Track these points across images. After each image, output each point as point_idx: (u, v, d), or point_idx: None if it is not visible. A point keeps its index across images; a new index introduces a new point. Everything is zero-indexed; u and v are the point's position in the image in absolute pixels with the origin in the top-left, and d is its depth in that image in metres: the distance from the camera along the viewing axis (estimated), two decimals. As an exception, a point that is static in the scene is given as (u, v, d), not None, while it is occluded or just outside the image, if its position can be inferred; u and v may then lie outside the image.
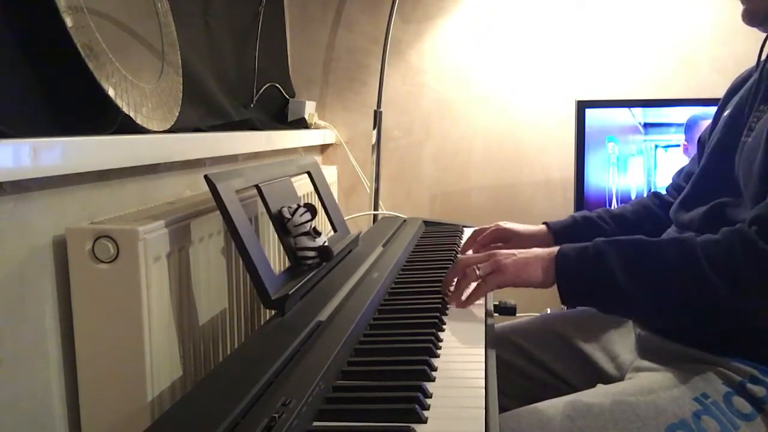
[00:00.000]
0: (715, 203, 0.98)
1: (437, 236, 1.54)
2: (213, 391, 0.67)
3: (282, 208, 1.06)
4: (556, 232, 1.29)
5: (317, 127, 2.14)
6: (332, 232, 1.29)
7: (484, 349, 0.83)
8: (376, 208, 2.10)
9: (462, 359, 0.80)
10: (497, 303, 1.13)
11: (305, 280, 0.97)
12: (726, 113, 1.08)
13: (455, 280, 1.02)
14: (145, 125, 1.04)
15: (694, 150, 1.23)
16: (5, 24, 0.85)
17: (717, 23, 2.05)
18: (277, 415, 0.60)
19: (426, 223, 1.69)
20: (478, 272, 0.97)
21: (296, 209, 1.05)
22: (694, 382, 0.88)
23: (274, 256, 1.32)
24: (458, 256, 1.31)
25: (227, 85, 1.63)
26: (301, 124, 2.08)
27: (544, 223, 1.32)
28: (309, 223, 1.05)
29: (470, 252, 1.34)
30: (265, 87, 1.90)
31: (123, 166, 1.01)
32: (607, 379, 1.05)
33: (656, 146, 1.93)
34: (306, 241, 1.05)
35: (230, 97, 1.62)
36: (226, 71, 1.65)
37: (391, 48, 2.07)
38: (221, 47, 1.62)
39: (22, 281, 0.82)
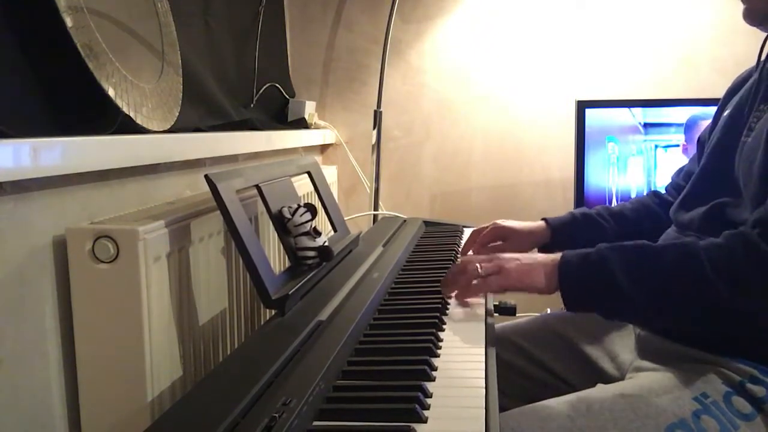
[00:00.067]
0: (714, 203, 0.98)
1: (437, 236, 1.54)
2: (213, 391, 0.67)
3: (282, 208, 1.06)
4: (555, 229, 1.29)
5: (317, 127, 2.14)
6: (332, 232, 1.29)
7: (484, 349, 0.83)
8: (376, 208, 2.10)
9: (462, 359, 0.80)
10: (497, 303, 1.13)
11: (305, 280, 0.97)
12: (726, 113, 1.08)
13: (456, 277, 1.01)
14: (145, 125, 1.04)
15: (693, 150, 1.23)
16: (5, 24, 0.85)
17: (717, 23, 2.05)
18: (277, 415, 0.60)
19: (426, 223, 1.69)
20: (480, 271, 0.96)
21: (296, 209, 1.05)
22: (693, 381, 0.88)
23: (274, 256, 1.32)
24: (460, 257, 1.31)
25: (227, 85, 1.63)
26: (301, 124, 2.08)
27: (543, 219, 1.32)
28: (309, 223, 1.05)
29: (470, 252, 1.34)
30: (265, 87, 1.90)
31: (123, 166, 1.01)
32: (607, 379, 1.05)
33: (656, 146, 1.93)
34: (306, 241, 1.05)
35: (230, 97, 1.62)
36: (226, 71, 1.65)
37: (391, 48, 2.07)
38: (221, 47, 1.62)
39: (22, 281, 0.82)
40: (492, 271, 0.95)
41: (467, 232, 1.47)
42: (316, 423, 0.64)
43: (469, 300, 1.02)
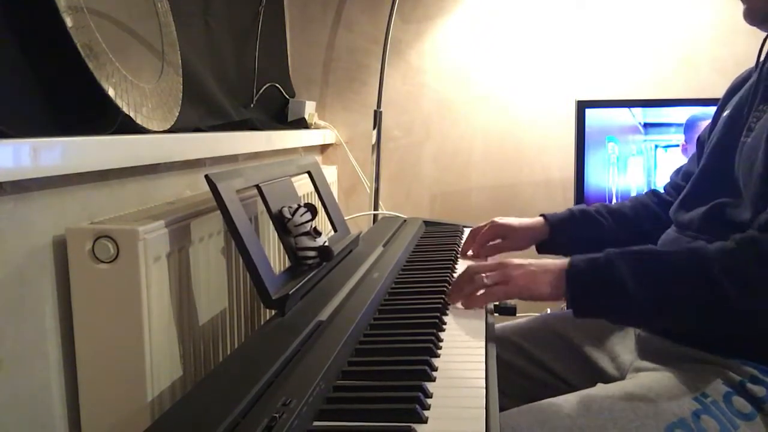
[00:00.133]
0: (714, 203, 0.98)
1: (437, 236, 1.54)
2: (213, 391, 0.67)
3: (282, 207, 1.06)
4: (553, 225, 1.29)
5: (317, 127, 2.14)
6: (332, 232, 1.29)
7: (484, 349, 0.83)
8: (376, 208, 2.10)
9: (462, 359, 0.80)
10: (497, 303, 1.13)
11: (305, 280, 0.97)
12: (725, 113, 1.08)
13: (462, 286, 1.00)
14: (145, 125, 1.03)
15: (692, 150, 1.23)
16: (5, 24, 0.85)
17: (717, 23, 2.05)
18: (277, 415, 0.60)
19: (426, 223, 1.69)
20: (485, 281, 0.95)
21: (296, 209, 1.05)
22: (693, 381, 0.88)
23: (274, 256, 1.32)
24: (469, 263, 1.31)
25: (227, 85, 1.63)
26: (301, 124, 2.08)
27: (541, 215, 1.31)
28: (309, 223, 1.05)
29: (470, 252, 1.35)
30: (265, 87, 1.90)
31: (123, 166, 1.01)
32: (608, 379, 1.05)
33: (656, 146, 1.93)
34: (306, 241, 1.05)
35: (230, 97, 1.62)
36: (226, 71, 1.65)
37: (391, 48, 2.07)
38: (221, 47, 1.62)
39: (22, 281, 0.82)
40: (498, 280, 0.95)
41: (467, 232, 1.47)
42: (316, 423, 0.64)
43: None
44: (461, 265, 1.28)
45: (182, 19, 1.31)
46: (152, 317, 0.88)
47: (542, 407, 0.86)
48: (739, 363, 0.88)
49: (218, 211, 0.93)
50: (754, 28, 1.02)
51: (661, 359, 0.96)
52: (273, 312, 0.90)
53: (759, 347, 0.88)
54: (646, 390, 0.87)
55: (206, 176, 0.92)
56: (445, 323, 0.93)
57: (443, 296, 1.02)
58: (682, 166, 1.27)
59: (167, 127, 1.12)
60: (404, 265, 1.26)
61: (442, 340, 0.86)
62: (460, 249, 1.39)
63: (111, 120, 0.97)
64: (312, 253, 1.05)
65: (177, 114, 1.17)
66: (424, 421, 0.63)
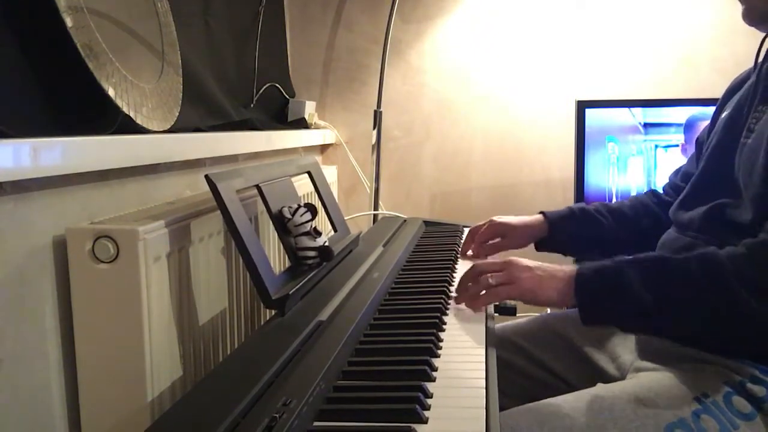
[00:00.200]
0: (715, 203, 0.98)
1: (437, 236, 1.54)
2: (213, 391, 0.67)
3: (282, 207, 1.06)
4: (552, 222, 1.29)
5: (317, 127, 2.14)
6: (332, 232, 1.29)
7: (484, 349, 0.83)
8: (376, 208, 2.10)
9: (462, 359, 0.80)
10: (497, 303, 1.13)
11: (305, 280, 0.97)
12: (724, 114, 1.08)
13: (467, 285, 1.00)
14: (145, 125, 1.03)
15: (692, 150, 1.24)
16: (5, 24, 0.85)
17: (717, 23, 2.05)
18: (277, 415, 0.60)
19: (426, 223, 1.69)
20: (491, 281, 0.95)
21: (296, 209, 1.05)
22: (694, 381, 0.87)
23: (274, 256, 1.32)
24: (469, 263, 1.31)
25: (227, 85, 1.63)
26: (301, 124, 2.08)
27: (540, 213, 1.31)
28: (309, 223, 1.05)
29: (470, 252, 1.34)
30: (265, 87, 1.90)
31: (123, 166, 1.01)
32: (608, 379, 1.05)
33: (656, 146, 1.93)
34: (306, 241, 1.05)
35: (230, 97, 1.62)
36: (226, 71, 1.65)
37: (391, 48, 2.07)
38: (221, 47, 1.62)
39: (22, 281, 0.82)
40: (504, 280, 0.94)
41: (467, 232, 1.47)
42: (316, 423, 0.64)
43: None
44: (461, 265, 1.28)
45: (182, 19, 1.31)
46: (152, 317, 0.88)
47: (542, 407, 0.85)
48: (739, 363, 0.88)
49: (218, 211, 0.93)
50: (754, 28, 1.02)
51: (661, 359, 0.96)
52: (273, 312, 0.90)
53: (759, 347, 0.87)
54: (646, 390, 0.87)
55: (206, 176, 0.92)
56: (445, 323, 0.93)
57: (443, 296, 1.02)
58: (681, 167, 1.27)
59: (167, 127, 1.12)
60: (404, 265, 1.26)
61: (442, 340, 0.86)
62: (460, 249, 1.39)
63: (111, 120, 0.97)
64: (312, 253, 1.05)
65: (177, 114, 1.17)
66: (424, 421, 0.63)
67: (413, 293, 1.06)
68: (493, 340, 0.88)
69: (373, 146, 2.10)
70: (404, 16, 2.16)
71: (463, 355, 0.82)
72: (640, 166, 1.94)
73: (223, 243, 1.12)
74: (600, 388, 0.92)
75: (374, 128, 2.09)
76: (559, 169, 2.15)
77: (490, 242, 1.33)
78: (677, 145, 1.92)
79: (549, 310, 1.47)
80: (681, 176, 1.23)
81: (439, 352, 0.82)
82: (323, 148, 2.25)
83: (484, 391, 0.70)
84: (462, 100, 2.19)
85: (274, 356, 0.73)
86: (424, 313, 0.95)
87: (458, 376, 0.75)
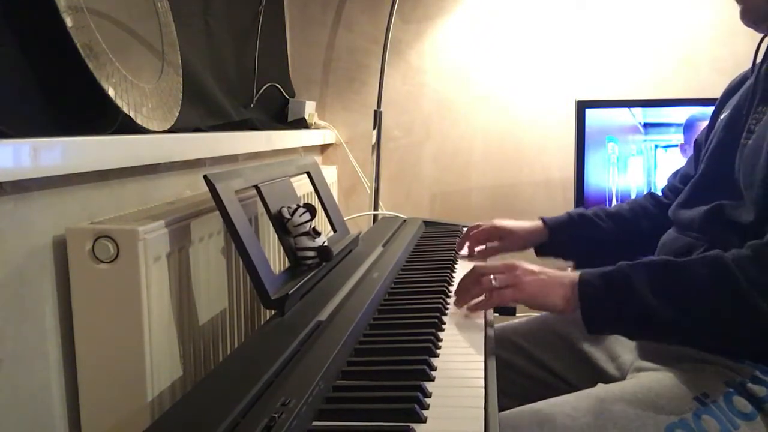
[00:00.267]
0: (715, 204, 0.98)
1: (437, 236, 1.54)
2: (213, 391, 0.67)
3: (281, 208, 1.06)
4: (552, 228, 1.29)
5: (317, 127, 2.14)
6: (332, 233, 1.29)
7: (483, 349, 0.83)
8: (376, 208, 2.10)
9: (462, 359, 0.80)
10: (497, 303, 1.13)
11: (305, 280, 0.97)
12: (723, 115, 1.08)
13: (469, 287, 0.98)
14: (145, 125, 1.04)
15: (691, 150, 1.24)
16: (5, 24, 0.85)
17: (717, 23, 2.05)
18: (276, 415, 0.60)
19: (426, 223, 1.69)
20: (494, 282, 0.93)
21: (296, 209, 1.05)
22: (694, 381, 0.87)
23: (274, 256, 1.32)
24: (476, 264, 1.31)
25: (227, 85, 1.63)
26: (301, 124, 2.08)
27: (540, 219, 1.32)
28: (308, 223, 1.05)
29: (464, 251, 1.35)
30: (265, 87, 1.90)
31: (123, 166, 1.01)
32: (608, 380, 1.05)
33: (656, 146, 1.93)
34: (306, 241, 1.05)
35: (230, 97, 1.63)
36: (226, 71, 1.65)
37: (391, 48, 2.07)
38: (221, 47, 1.62)
39: (22, 281, 0.82)
40: (507, 283, 0.92)
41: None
42: (315, 423, 0.64)
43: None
44: (461, 265, 1.28)
45: (182, 19, 1.31)
46: (152, 317, 0.88)
47: (542, 407, 0.85)
48: (739, 363, 0.87)
49: (218, 211, 0.93)
50: (750, 28, 1.02)
51: (661, 359, 0.96)
52: (273, 312, 0.90)
53: (759, 347, 0.87)
54: (646, 390, 0.87)
55: (205, 177, 0.92)
56: (444, 323, 0.93)
57: (443, 296, 1.02)
58: (679, 169, 1.27)
59: (167, 127, 1.12)
60: (404, 265, 1.26)
61: (441, 340, 0.86)
62: (456, 246, 1.39)
63: (111, 120, 0.97)
64: (311, 254, 1.05)
65: (177, 114, 1.17)
66: (423, 420, 0.63)
67: (413, 293, 1.06)
68: (492, 339, 0.88)
69: (373, 146, 2.10)
70: (404, 16, 2.16)
71: (462, 354, 0.82)
72: (640, 166, 1.94)
73: (223, 243, 1.12)
74: (600, 389, 0.92)
75: (374, 128, 2.09)
76: (559, 169, 2.15)
77: (489, 245, 1.34)
78: (677, 145, 1.92)
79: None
80: (680, 178, 1.23)
81: (439, 351, 0.82)
82: (323, 148, 2.25)
83: (483, 390, 0.70)
84: (462, 100, 2.19)
85: (273, 356, 0.73)
86: (424, 313, 0.95)
87: (457, 375, 0.75)
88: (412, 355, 0.79)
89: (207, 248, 1.06)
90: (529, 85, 2.15)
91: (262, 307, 1.16)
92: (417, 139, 2.23)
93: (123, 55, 1.00)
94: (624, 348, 1.08)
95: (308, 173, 1.33)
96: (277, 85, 2.01)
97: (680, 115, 1.92)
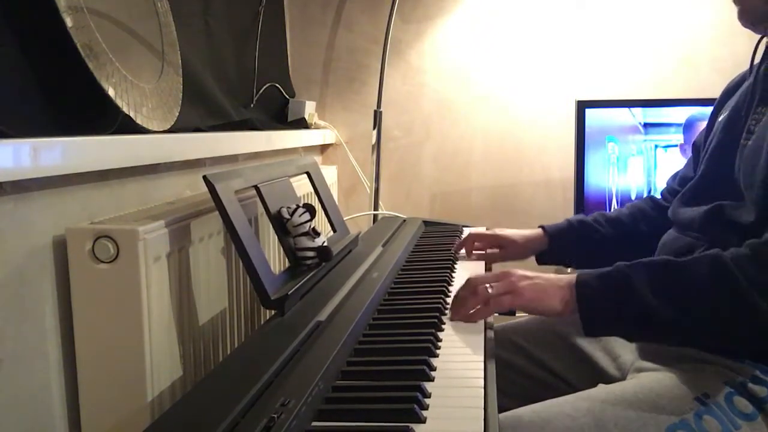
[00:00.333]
0: (716, 204, 0.98)
1: (437, 236, 1.54)
2: (213, 391, 0.67)
3: (281, 208, 1.06)
4: (552, 236, 1.30)
5: (317, 127, 2.14)
6: (332, 233, 1.29)
7: (483, 349, 0.83)
8: (376, 208, 2.10)
9: (461, 359, 0.80)
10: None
11: (305, 280, 0.97)
12: (722, 117, 1.08)
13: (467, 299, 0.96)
14: (145, 125, 1.04)
15: (690, 151, 1.24)
16: (5, 24, 0.85)
17: (717, 23, 2.05)
18: (276, 415, 0.60)
19: (426, 223, 1.69)
20: (490, 291, 0.92)
21: (295, 209, 1.05)
22: (695, 381, 0.87)
23: (273, 257, 1.32)
24: (467, 263, 1.31)
25: (227, 85, 1.63)
26: (301, 124, 2.08)
27: (540, 227, 1.32)
28: (308, 224, 1.05)
29: (463, 251, 1.35)
30: (265, 87, 1.90)
31: (123, 166, 1.01)
32: (608, 380, 1.05)
33: (656, 146, 1.93)
34: (305, 242, 1.05)
35: (230, 97, 1.63)
36: (226, 71, 1.65)
37: (391, 48, 2.07)
38: (221, 47, 1.62)
39: (22, 281, 0.82)
40: (503, 290, 0.92)
41: (467, 232, 1.47)
42: (314, 423, 0.64)
43: None
44: (461, 266, 1.28)
45: (182, 19, 1.31)
46: (152, 317, 0.89)
47: (543, 408, 0.85)
48: (739, 363, 0.88)
49: (218, 212, 0.93)
50: (748, 29, 1.02)
51: (661, 359, 0.96)
52: (273, 312, 0.90)
53: (759, 346, 0.87)
54: (647, 390, 0.87)
55: (204, 177, 0.92)
56: (444, 323, 0.93)
57: (442, 296, 1.02)
58: (678, 172, 1.27)
59: (167, 127, 1.12)
60: (404, 265, 1.26)
61: (441, 340, 0.86)
62: (453, 248, 1.39)
63: (111, 120, 0.97)
64: (311, 254, 1.05)
65: (177, 114, 1.17)
66: (422, 421, 0.63)
67: (412, 293, 1.06)
68: (491, 339, 0.88)
69: (373, 146, 2.10)
70: (404, 16, 2.16)
71: (461, 354, 0.82)
72: (640, 166, 1.94)
73: (223, 243, 1.12)
74: (601, 389, 0.91)
75: (374, 128, 2.09)
76: (559, 169, 2.15)
77: (489, 251, 1.34)
78: (677, 145, 1.92)
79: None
80: (679, 181, 1.24)
81: (438, 351, 0.82)
82: (323, 148, 2.25)
83: (483, 390, 0.70)
84: (462, 100, 2.19)
85: (273, 356, 0.73)
86: (423, 313, 0.95)
87: (457, 375, 0.75)
88: (411, 356, 0.79)
89: (207, 248, 1.06)
90: (529, 85, 2.15)
91: (261, 307, 1.17)
92: (417, 139, 2.23)
93: (123, 55, 1.00)
94: (624, 348, 1.08)
95: (308, 173, 1.33)
96: (277, 85, 2.01)
97: (680, 115, 1.92)
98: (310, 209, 1.06)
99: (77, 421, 0.89)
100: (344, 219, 1.39)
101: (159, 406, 0.90)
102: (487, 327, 0.92)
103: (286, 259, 1.06)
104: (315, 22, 2.21)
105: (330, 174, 2.08)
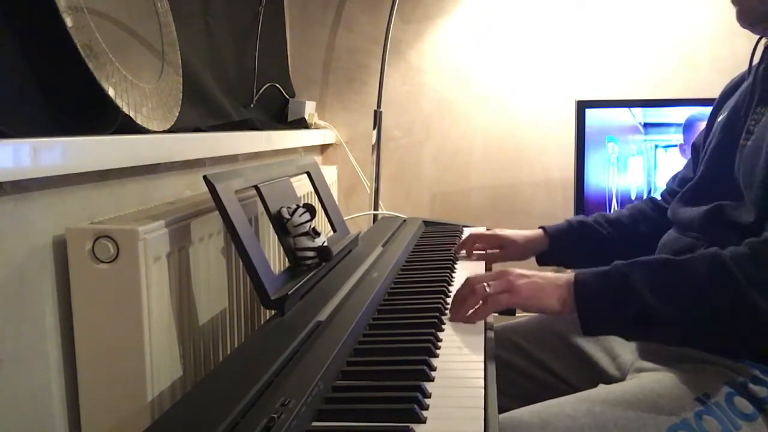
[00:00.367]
0: (715, 204, 0.98)
1: (437, 236, 1.54)
2: (213, 391, 0.67)
3: (281, 208, 1.06)
4: (552, 236, 1.30)
5: (317, 127, 2.14)
6: (332, 233, 1.29)
7: (483, 349, 0.83)
8: (376, 208, 2.10)
9: (461, 359, 0.80)
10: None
11: (305, 280, 0.97)
12: (721, 117, 1.08)
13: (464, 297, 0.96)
14: (145, 125, 1.04)
15: (690, 152, 1.24)
16: (5, 24, 0.85)
17: (717, 23, 2.05)
18: (276, 416, 0.60)
19: (426, 223, 1.69)
20: (488, 290, 0.92)
21: (295, 209, 1.05)
22: (695, 382, 0.87)
23: (273, 257, 1.32)
24: (467, 263, 1.31)
25: (227, 85, 1.63)
26: (301, 124, 2.08)
27: (540, 228, 1.32)
28: (308, 224, 1.05)
29: (463, 252, 1.35)
30: (265, 87, 1.90)
31: (123, 166, 1.01)
32: (608, 380, 1.05)
33: (656, 146, 1.93)
34: (305, 242, 1.05)
35: (230, 97, 1.63)
36: (226, 71, 1.65)
37: (391, 48, 2.07)
38: (221, 47, 1.62)
39: (22, 281, 0.82)
40: (501, 288, 0.92)
41: (467, 232, 1.47)
42: (315, 423, 0.64)
43: None
44: (461, 266, 1.28)
45: (182, 19, 1.31)
46: (152, 317, 0.89)
47: (543, 408, 0.85)
48: (739, 363, 0.87)
49: (218, 211, 0.93)
50: (746, 29, 1.01)
51: (662, 359, 0.95)
52: (273, 312, 0.90)
53: (758, 346, 0.87)
54: (647, 391, 0.87)
55: (205, 177, 0.92)
56: (444, 323, 0.93)
57: (442, 296, 1.02)
58: (678, 173, 1.27)
59: (167, 127, 1.12)
60: (404, 265, 1.26)
61: (441, 340, 0.86)
62: (454, 248, 1.39)
63: (111, 120, 0.97)
64: (311, 254, 1.05)
65: (177, 114, 1.17)
66: (422, 421, 0.63)
67: (412, 293, 1.06)
68: (492, 339, 0.88)
69: (373, 146, 2.10)
70: (404, 16, 2.16)
71: (462, 354, 0.82)
72: (640, 166, 1.94)
73: (223, 243, 1.12)
74: (601, 390, 0.91)
75: (374, 128, 2.09)
76: (559, 169, 2.15)
77: (489, 251, 1.34)
78: (677, 145, 1.92)
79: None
80: (678, 182, 1.24)
81: (438, 351, 0.82)
82: (323, 148, 2.25)
83: (483, 391, 0.70)
84: (462, 100, 2.19)
85: (273, 356, 0.73)
86: (423, 313, 0.95)
87: (457, 375, 0.75)
88: (411, 356, 0.78)
89: (207, 248, 1.06)
90: (529, 85, 2.15)
91: (262, 307, 1.17)
92: (417, 139, 2.23)
93: (123, 55, 1.00)
94: (624, 348, 1.08)
95: (308, 173, 1.33)
96: (277, 85, 2.01)
97: (680, 115, 1.92)
98: (310, 209, 1.06)
99: (77, 421, 0.89)
100: (344, 219, 1.39)
101: (159, 406, 0.90)
102: (488, 327, 0.92)
103: (286, 259, 1.06)
104: (315, 22, 2.21)
105: (330, 174, 2.08)
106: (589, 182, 1.92)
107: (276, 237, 1.06)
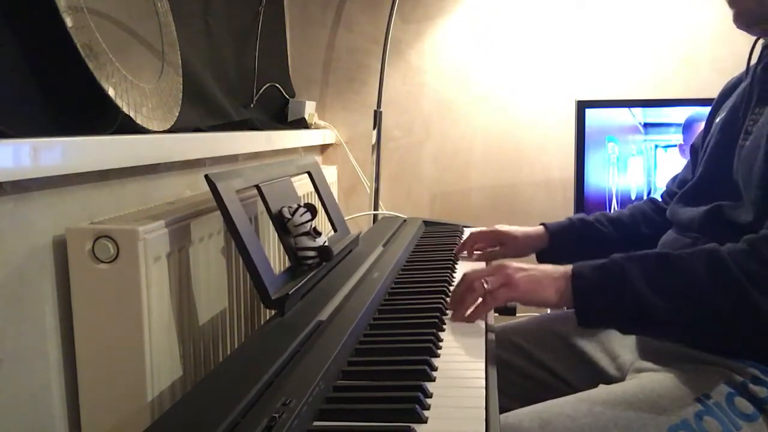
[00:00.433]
0: (715, 204, 0.98)
1: (437, 236, 1.54)
2: (213, 391, 0.67)
3: (282, 208, 1.06)
4: (553, 233, 1.30)
5: (317, 127, 2.14)
6: (332, 232, 1.29)
7: (484, 349, 0.83)
8: (376, 208, 2.10)
9: (462, 359, 0.80)
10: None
11: (305, 280, 0.97)
12: (719, 118, 1.08)
13: (462, 294, 0.96)
14: (145, 125, 1.04)
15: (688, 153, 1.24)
16: (5, 24, 0.85)
17: (717, 23, 2.05)
18: (277, 415, 0.60)
19: (426, 223, 1.69)
20: (486, 286, 0.92)
21: (296, 209, 1.05)
22: (695, 382, 0.87)
23: (274, 256, 1.32)
24: (467, 264, 1.31)
25: (227, 85, 1.63)
26: (301, 124, 2.08)
27: (541, 224, 1.32)
28: (309, 223, 1.05)
29: (465, 253, 1.35)
30: (265, 87, 1.90)
31: (123, 166, 1.01)
32: (608, 380, 1.05)
33: (656, 146, 1.93)
34: (306, 241, 1.05)
35: (230, 97, 1.63)
36: (226, 71, 1.65)
37: (391, 48, 2.07)
38: (221, 47, 1.62)
39: (22, 281, 0.82)
40: (499, 283, 0.92)
41: (467, 232, 1.47)
42: (316, 423, 0.64)
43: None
44: (461, 266, 1.28)
45: (182, 19, 1.31)
46: (152, 317, 0.88)
47: (543, 408, 0.85)
48: (740, 363, 0.87)
49: (218, 211, 0.93)
50: (743, 31, 1.01)
51: (662, 360, 0.95)
52: (273, 312, 0.90)
53: (760, 347, 0.87)
54: (647, 391, 0.87)
55: (206, 176, 0.92)
56: (444, 323, 0.93)
57: (443, 296, 1.02)
58: (677, 174, 1.27)
59: (167, 127, 1.12)
60: (404, 265, 1.26)
61: (442, 340, 0.86)
62: (455, 249, 1.39)
63: (111, 120, 0.97)
64: (312, 253, 1.05)
65: (177, 114, 1.17)
66: (423, 421, 0.63)
67: (413, 293, 1.06)
68: (492, 339, 0.88)
69: (373, 146, 2.10)
70: (404, 16, 2.16)
71: (463, 354, 0.82)
72: (640, 166, 1.94)
73: (223, 243, 1.12)
74: (601, 390, 0.91)
75: (374, 128, 2.09)
76: (559, 169, 2.15)
77: (489, 249, 1.34)
78: (677, 145, 1.93)
79: (549, 310, 1.47)
80: (678, 183, 1.24)
81: (439, 351, 0.82)
82: (323, 148, 2.25)
83: (484, 390, 0.70)
84: (462, 100, 2.19)
85: (273, 356, 0.73)
86: (424, 313, 0.95)
87: (458, 375, 0.75)
88: (412, 355, 0.78)
89: (207, 248, 1.06)
90: (529, 85, 2.15)
91: (262, 307, 1.17)
92: (417, 139, 2.23)
93: (123, 55, 1.00)
94: (624, 348, 1.08)
95: (309, 173, 1.33)
96: (277, 85, 2.01)
97: (680, 115, 1.92)
98: (311, 209, 1.06)
99: (77, 421, 0.89)
100: (344, 219, 1.39)
101: (159, 406, 0.90)
102: (488, 327, 0.92)
103: (287, 259, 1.06)
104: (315, 22, 2.21)
105: (330, 174, 2.08)
106: (589, 182, 1.92)
107: (277, 236, 1.06)
